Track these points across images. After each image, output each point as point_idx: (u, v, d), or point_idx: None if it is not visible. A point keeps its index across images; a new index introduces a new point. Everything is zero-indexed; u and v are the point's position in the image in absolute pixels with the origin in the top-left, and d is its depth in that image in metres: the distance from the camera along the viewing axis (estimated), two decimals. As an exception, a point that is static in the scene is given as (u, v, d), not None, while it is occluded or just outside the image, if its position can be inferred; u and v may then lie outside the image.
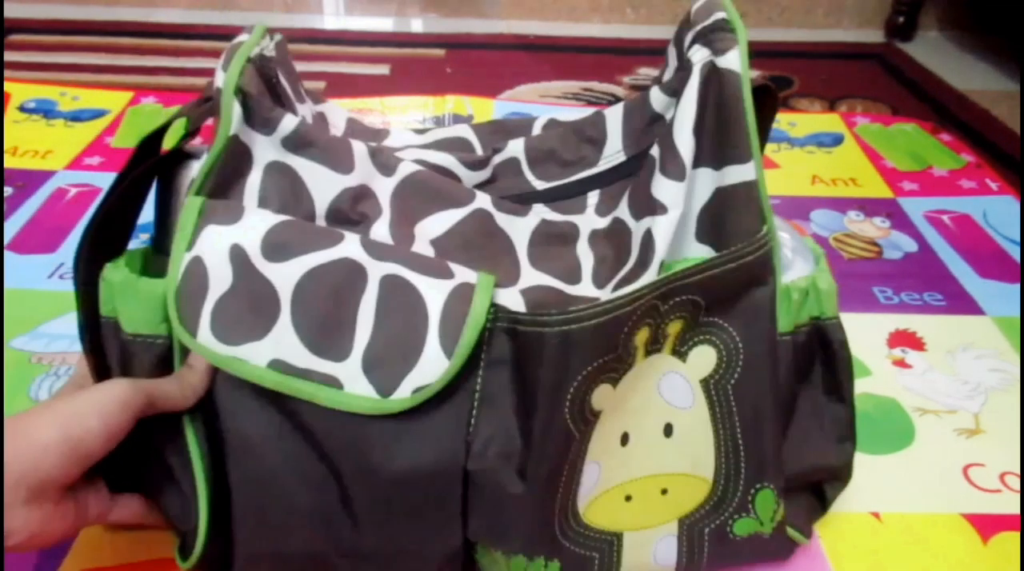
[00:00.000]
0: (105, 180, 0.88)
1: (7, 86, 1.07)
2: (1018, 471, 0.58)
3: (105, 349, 0.41)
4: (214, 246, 0.37)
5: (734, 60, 0.40)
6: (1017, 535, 0.53)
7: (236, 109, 0.38)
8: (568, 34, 1.42)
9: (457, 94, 1.09)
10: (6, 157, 0.91)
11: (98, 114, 1.02)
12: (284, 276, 0.37)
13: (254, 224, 0.38)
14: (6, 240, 0.77)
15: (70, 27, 1.31)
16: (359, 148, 0.42)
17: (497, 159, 0.47)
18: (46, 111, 1.02)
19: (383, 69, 1.23)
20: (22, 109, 1.02)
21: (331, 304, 0.38)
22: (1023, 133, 1.09)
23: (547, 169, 0.47)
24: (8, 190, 0.85)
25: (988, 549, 0.52)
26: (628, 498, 0.43)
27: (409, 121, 1.04)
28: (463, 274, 0.39)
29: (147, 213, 0.43)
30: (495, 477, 0.38)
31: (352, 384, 0.37)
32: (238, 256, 0.37)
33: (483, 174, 0.46)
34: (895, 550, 0.52)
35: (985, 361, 0.68)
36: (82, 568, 0.48)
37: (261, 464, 0.39)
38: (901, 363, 0.68)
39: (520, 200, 0.46)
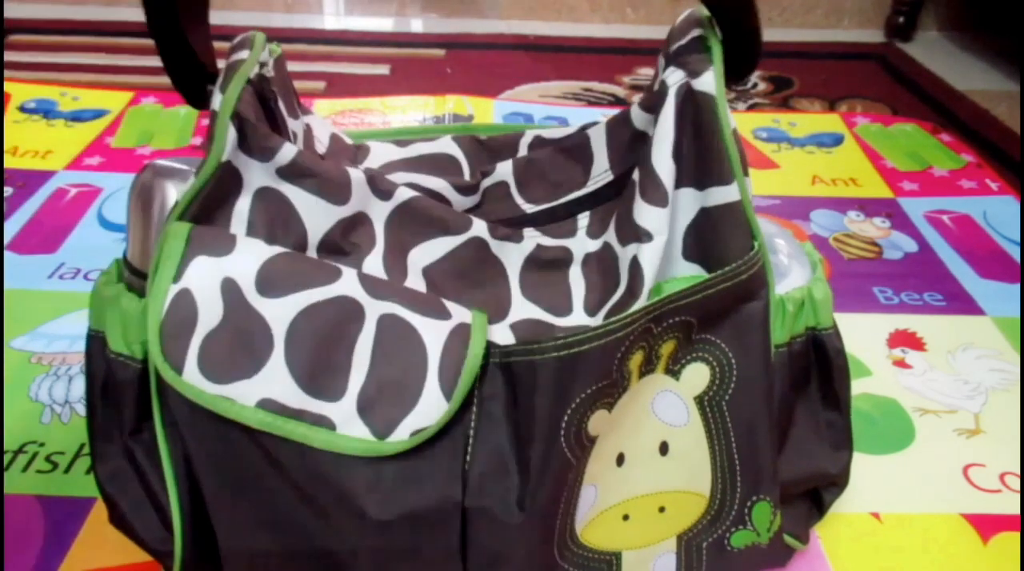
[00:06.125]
0: (105, 180, 0.88)
1: (7, 86, 1.07)
2: (1018, 471, 0.58)
3: (93, 362, 0.41)
4: (204, 279, 0.35)
5: (709, 82, 0.39)
6: (1017, 535, 0.53)
7: (231, 134, 0.36)
8: (568, 34, 1.42)
9: (457, 94, 1.10)
10: (6, 157, 0.91)
11: (98, 114, 1.02)
12: (279, 312, 0.36)
13: (248, 257, 0.36)
14: (6, 240, 0.77)
15: (70, 27, 1.31)
16: (356, 176, 0.41)
17: (486, 183, 0.46)
18: (46, 111, 1.02)
19: (383, 69, 1.23)
20: (22, 109, 1.02)
21: (327, 343, 0.36)
22: (1023, 133, 1.09)
23: (536, 192, 0.46)
24: (8, 190, 0.85)
25: (988, 549, 0.52)
26: (626, 517, 0.43)
27: (409, 121, 1.04)
28: (459, 314, 0.39)
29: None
30: (493, 511, 0.38)
31: (346, 426, 0.36)
32: (230, 290, 0.35)
33: (473, 199, 0.46)
34: (895, 550, 0.52)
35: (985, 361, 0.68)
36: (82, 568, 0.48)
37: (250, 506, 0.38)
38: (901, 363, 0.68)
39: (510, 224, 0.45)
